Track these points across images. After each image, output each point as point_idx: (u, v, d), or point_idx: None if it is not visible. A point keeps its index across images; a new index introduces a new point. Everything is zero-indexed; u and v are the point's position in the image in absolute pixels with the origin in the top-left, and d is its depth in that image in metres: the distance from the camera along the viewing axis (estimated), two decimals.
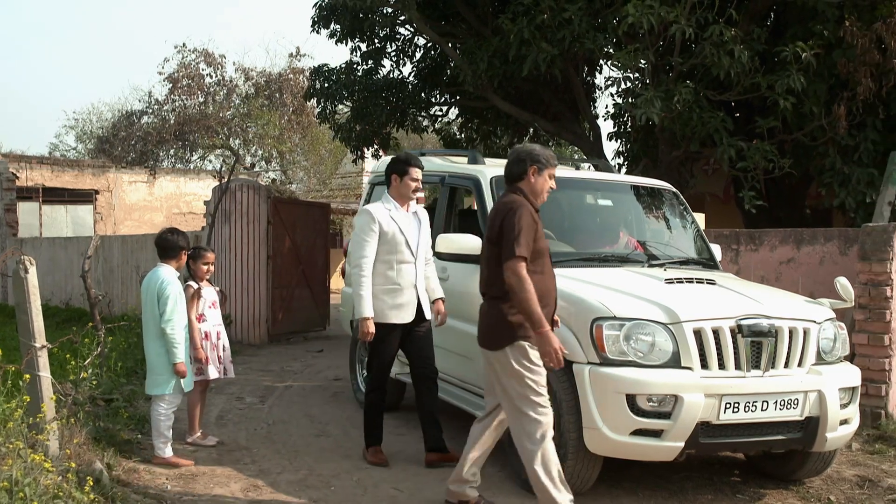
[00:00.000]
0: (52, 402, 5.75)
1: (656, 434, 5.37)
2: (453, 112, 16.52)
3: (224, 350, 7.32)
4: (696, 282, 6.14)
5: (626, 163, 13.83)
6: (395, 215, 6.57)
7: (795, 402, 5.61)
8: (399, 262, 6.53)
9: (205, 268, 7.30)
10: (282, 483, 6.20)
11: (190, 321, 6.87)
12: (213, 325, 7.25)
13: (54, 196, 25.06)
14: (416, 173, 6.64)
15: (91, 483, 5.23)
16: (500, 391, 5.29)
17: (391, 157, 6.98)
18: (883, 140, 10.32)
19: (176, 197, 27.35)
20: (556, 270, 6.41)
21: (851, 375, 5.99)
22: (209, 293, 7.29)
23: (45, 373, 5.71)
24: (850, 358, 6.73)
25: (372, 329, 6.44)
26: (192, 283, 7.17)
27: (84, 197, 25.64)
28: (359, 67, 14.91)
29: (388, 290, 6.50)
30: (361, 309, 6.41)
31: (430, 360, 6.75)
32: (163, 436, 6.61)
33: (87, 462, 5.74)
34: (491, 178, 7.03)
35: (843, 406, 5.81)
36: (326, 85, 14.81)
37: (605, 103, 24.69)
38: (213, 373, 7.16)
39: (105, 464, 5.93)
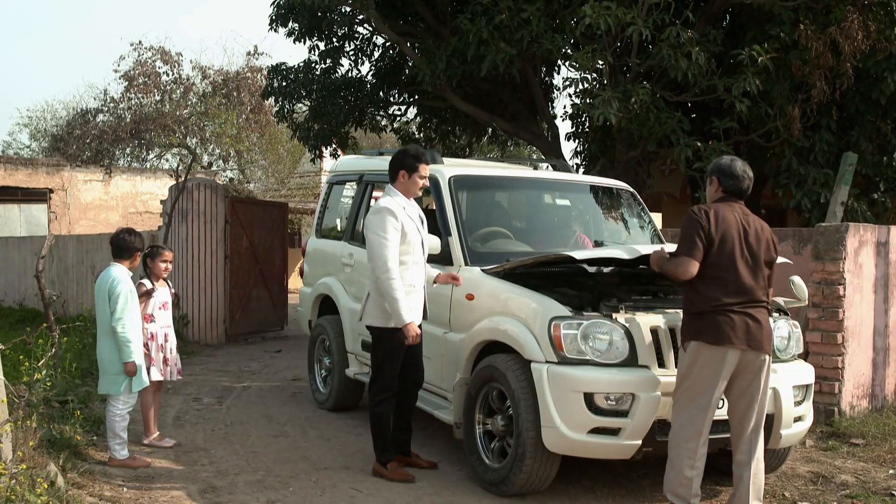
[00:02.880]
0: (4, 405, 5.65)
1: (614, 432, 5.41)
2: (412, 111, 16.52)
3: (171, 353, 7.23)
4: None
5: (583, 163, 13.92)
6: (410, 212, 6.18)
7: None
8: (414, 263, 6.15)
9: (163, 266, 7.20)
10: (240, 484, 6.16)
11: None
12: (161, 326, 7.16)
13: (7, 195, 24.64)
14: (426, 170, 6.25)
15: (45, 486, 5.17)
16: (758, 398, 5.30)
17: (399, 150, 6.55)
18: (837, 141, 10.47)
19: (132, 196, 27.02)
20: None
21: (805, 373, 6.08)
22: (162, 294, 7.21)
23: None
24: (804, 356, 6.83)
25: (418, 331, 6.08)
26: (145, 281, 7.09)
27: (38, 196, 25.23)
28: (317, 66, 14.85)
29: (405, 291, 6.06)
30: (402, 315, 5.96)
31: (422, 365, 6.47)
32: (118, 437, 6.54)
33: (41, 465, 5.65)
34: (449, 178, 7.02)
35: (798, 403, 5.90)
36: (284, 84, 14.73)
37: (563, 104, 24.82)
38: (155, 375, 7.05)
39: (60, 466, 5.85)
